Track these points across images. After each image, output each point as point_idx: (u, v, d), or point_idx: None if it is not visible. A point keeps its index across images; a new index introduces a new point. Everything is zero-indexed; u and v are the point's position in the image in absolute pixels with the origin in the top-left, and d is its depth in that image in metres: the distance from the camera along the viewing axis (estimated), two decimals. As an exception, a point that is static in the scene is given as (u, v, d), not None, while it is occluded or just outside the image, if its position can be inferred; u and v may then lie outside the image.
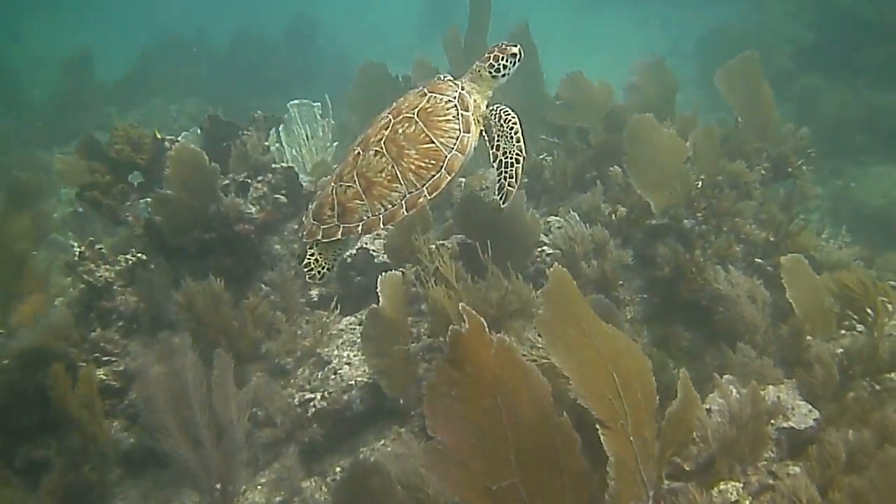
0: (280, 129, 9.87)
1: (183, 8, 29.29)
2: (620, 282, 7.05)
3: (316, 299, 7.22)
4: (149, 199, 7.28)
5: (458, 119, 4.40)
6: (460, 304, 3.85)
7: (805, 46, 20.54)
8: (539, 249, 7.14)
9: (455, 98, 4.46)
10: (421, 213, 4.73)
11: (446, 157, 4.33)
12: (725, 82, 8.97)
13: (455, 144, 4.35)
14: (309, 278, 4.69)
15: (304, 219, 4.60)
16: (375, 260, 7.14)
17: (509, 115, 4.51)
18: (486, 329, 3.76)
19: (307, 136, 9.91)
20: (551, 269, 4.21)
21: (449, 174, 4.34)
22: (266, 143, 7.75)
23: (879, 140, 15.88)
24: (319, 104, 10.19)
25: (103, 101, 17.13)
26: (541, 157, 9.04)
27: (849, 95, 17.72)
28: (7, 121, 18.61)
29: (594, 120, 9.22)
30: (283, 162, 9.68)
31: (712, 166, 7.87)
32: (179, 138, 9.01)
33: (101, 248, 7.23)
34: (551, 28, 24.86)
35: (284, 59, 21.59)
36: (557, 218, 8.06)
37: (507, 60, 4.59)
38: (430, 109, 4.41)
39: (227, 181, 7.23)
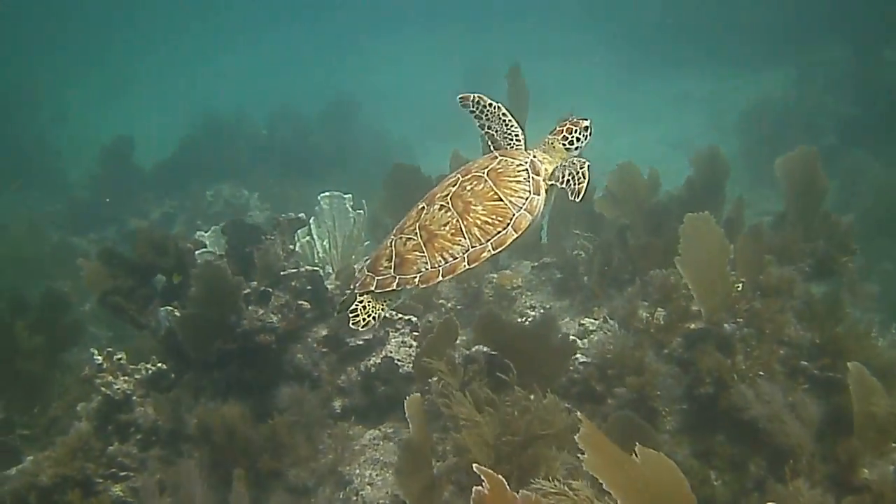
0: (311, 221, 9.74)
1: (223, 90, 29.62)
2: (658, 392, 6.72)
3: (339, 411, 6.96)
4: (169, 308, 7.14)
5: (529, 181, 4.37)
6: (474, 465, 3.59)
7: (849, 121, 20.22)
8: (573, 357, 6.85)
9: (527, 163, 4.44)
10: (481, 265, 4.44)
11: (514, 215, 4.27)
12: (783, 171, 8.67)
13: (524, 204, 4.30)
14: (353, 324, 4.46)
15: (357, 272, 4.51)
16: (400, 370, 6.89)
17: (581, 159, 4.48)
18: (507, 487, 3.53)
19: (336, 232, 9.74)
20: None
21: (516, 232, 4.26)
22: (291, 246, 7.56)
23: (930, 219, 15.42)
24: (351, 195, 10.03)
25: (142, 187, 17.23)
26: (575, 253, 8.77)
27: (894, 172, 17.32)
28: (45, 204, 18.82)
29: (636, 215, 8.94)
30: (314, 256, 9.59)
31: (755, 267, 7.56)
32: (206, 237, 8.94)
33: (121, 359, 7.06)
34: (588, 101, 24.74)
35: (322, 140, 21.67)
36: (592, 319, 7.80)
37: (580, 133, 4.59)
38: (500, 170, 4.38)
39: (248, 290, 7.05)
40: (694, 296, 7.17)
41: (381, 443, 6.61)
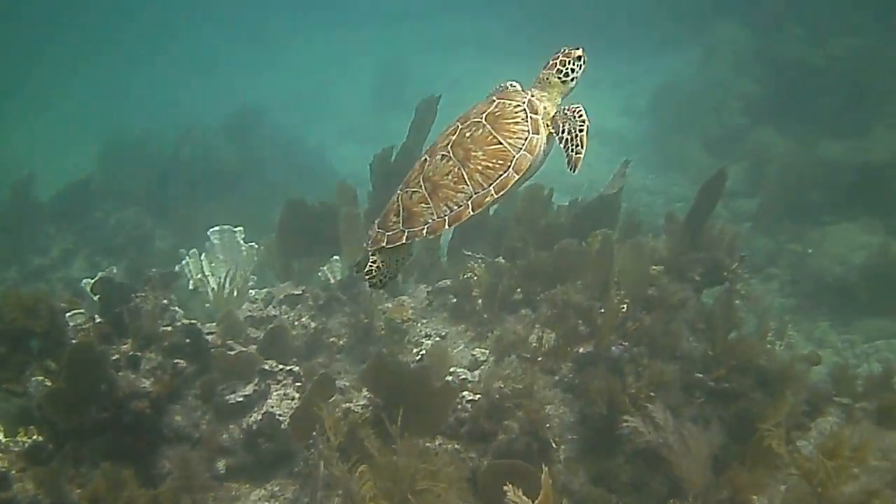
0: (202, 257, 9.48)
1: (126, 109, 28.73)
2: (547, 425, 6.58)
3: (223, 471, 6.70)
4: (40, 378, 6.81)
5: (527, 121, 4.40)
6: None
7: (755, 100, 20.38)
8: (460, 395, 6.68)
9: (524, 103, 4.46)
10: (485, 210, 4.53)
11: (514, 156, 4.32)
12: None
13: (524, 145, 4.35)
14: (371, 286, 4.69)
15: (370, 230, 4.59)
16: (283, 425, 6.65)
17: (576, 105, 4.48)
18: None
19: (229, 267, 9.48)
20: None
21: (517, 173, 4.32)
22: (165, 301, 7.28)
23: (836, 196, 15.57)
24: (242, 228, 9.77)
25: (42, 219, 16.63)
26: (467, 276, 8.61)
27: (802, 150, 17.47)
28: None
29: (528, 234, 8.76)
30: (208, 294, 9.32)
31: (641, 283, 7.47)
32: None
33: (-7, 434, 6.74)
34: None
35: (229, 155, 21.13)
36: (483, 350, 7.66)
37: (573, 64, 4.57)
38: (497, 113, 4.43)
39: (116, 356, 6.76)
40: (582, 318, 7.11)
41: (269, 502, 6.40)
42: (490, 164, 4.30)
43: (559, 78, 4.56)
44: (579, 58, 4.58)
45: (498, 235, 9.23)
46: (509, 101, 4.47)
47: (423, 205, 4.34)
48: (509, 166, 4.30)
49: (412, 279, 9.36)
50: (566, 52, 4.58)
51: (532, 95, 4.52)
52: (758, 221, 15.69)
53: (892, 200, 14.80)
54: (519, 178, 4.34)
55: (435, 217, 4.32)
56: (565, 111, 4.45)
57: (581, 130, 4.35)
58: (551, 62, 4.60)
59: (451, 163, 4.33)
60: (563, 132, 4.38)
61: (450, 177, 4.31)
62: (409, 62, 32.94)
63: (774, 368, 7.31)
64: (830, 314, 12.87)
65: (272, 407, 6.76)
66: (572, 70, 4.57)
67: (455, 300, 8.57)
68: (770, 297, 13.54)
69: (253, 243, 9.66)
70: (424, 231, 4.34)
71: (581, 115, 4.39)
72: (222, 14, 44.20)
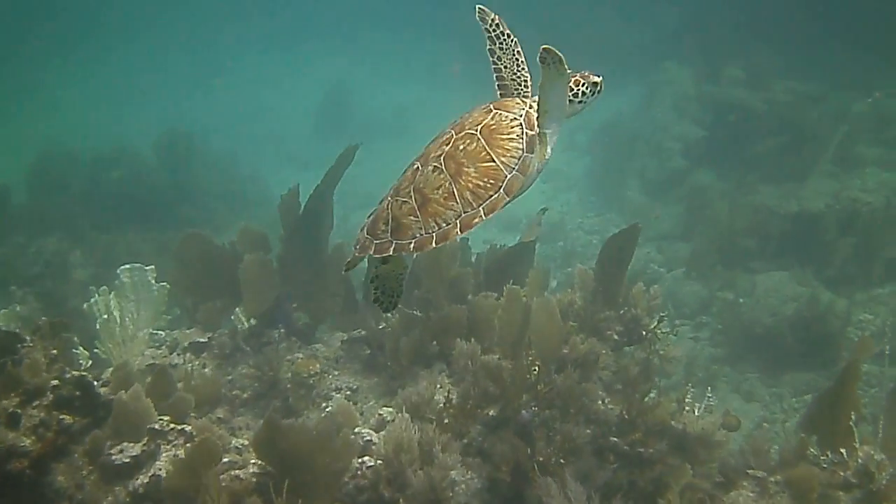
0: (111, 296, 9.08)
1: (55, 129, 27.99)
2: (450, 493, 6.30)
3: (108, 536, 6.32)
4: None
5: (523, 138, 4.27)
6: None
7: (695, 142, 20.44)
8: (360, 461, 6.37)
9: (521, 116, 4.33)
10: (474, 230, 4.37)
11: (506, 177, 4.22)
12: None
13: (517, 164, 4.24)
14: (384, 312, 4.73)
15: (359, 232, 4.46)
16: (170, 488, 6.30)
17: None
18: None
19: (139, 307, 9.09)
20: None
21: (507, 195, 4.22)
22: (54, 351, 6.89)
23: (769, 244, 15.58)
24: (153, 266, 9.38)
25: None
26: (381, 326, 8.33)
27: (739, 195, 17.51)
28: None
29: (438, 286, 8.45)
30: (112, 336, 8.92)
31: (554, 342, 7.24)
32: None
33: None
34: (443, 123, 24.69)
35: (159, 179, 20.57)
36: (390, 409, 7.37)
37: (586, 87, 4.42)
38: (493, 126, 4.29)
39: (-7, 413, 6.35)
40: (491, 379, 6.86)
41: (153, 573, 6.04)
42: (481, 184, 4.19)
43: (568, 98, 4.40)
44: (595, 84, 4.44)
45: (413, 284, 8.91)
46: (506, 114, 4.34)
47: (411, 217, 4.23)
48: (500, 187, 4.20)
49: (328, 328, 9.07)
50: (585, 74, 4.45)
51: (530, 108, 4.38)
52: (691, 267, 15.61)
53: (823, 251, 14.80)
54: (508, 201, 4.26)
55: (423, 232, 4.21)
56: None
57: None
58: None
59: (442, 176, 4.22)
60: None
61: (440, 191, 4.20)
62: (355, 88, 32.75)
63: (692, 433, 7.17)
64: (760, 366, 12.79)
65: (160, 469, 6.38)
66: (583, 93, 4.41)
67: (369, 352, 8.29)
68: (699, 347, 13.46)
69: (165, 283, 9.28)
70: (412, 246, 4.22)
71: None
72: (160, 33, 43.65)
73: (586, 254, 16.36)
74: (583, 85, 4.40)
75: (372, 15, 42.83)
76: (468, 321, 7.74)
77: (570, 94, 4.38)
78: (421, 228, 4.21)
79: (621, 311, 8.00)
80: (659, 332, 7.93)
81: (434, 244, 4.22)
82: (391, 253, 4.26)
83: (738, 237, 15.68)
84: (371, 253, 4.29)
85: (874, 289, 14.04)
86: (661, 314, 8.02)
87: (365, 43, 41.12)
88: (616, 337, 7.90)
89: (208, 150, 24.07)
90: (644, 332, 7.94)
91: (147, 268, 9.32)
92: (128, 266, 9.31)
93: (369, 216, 4.47)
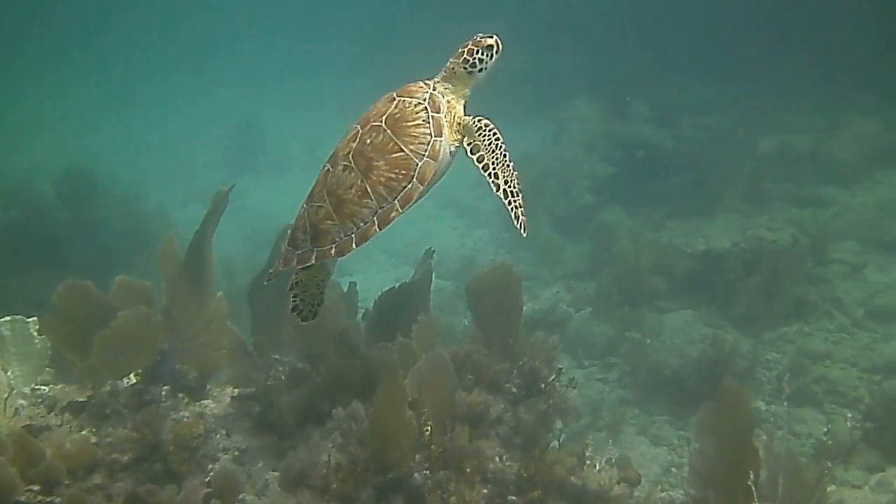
0: (-9, 349, 8.57)
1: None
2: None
3: None
4: None
5: (429, 122, 4.24)
6: None
7: (604, 179, 20.55)
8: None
9: (425, 100, 4.29)
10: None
11: (417, 165, 4.18)
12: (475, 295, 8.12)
13: (426, 151, 4.20)
14: (302, 321, 4.69)
15: (281, 245, 4.44)
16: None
17: (490, 126, 4.39)
18: None
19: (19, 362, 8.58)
20: None
21: (421, 183, 4.20)
22: None
23: (676, 282, 15.58)
24: (36, 318, 8.86)
25: None
26: (269, 383, 7.97)
27: (646, 233, 17.58)
28: None
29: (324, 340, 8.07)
30: None
31: (446, 399, 6.98)
32: None
33: None
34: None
35: (60, 216, 19.74)
36: (276, 473, 7.03)
37: (482, 53, 4.38)
38: (398, 115, 4.23)
39: None
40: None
41: None
42: (393, 176, 4.15)
43: (466, 69, 4.41)
44: (490, 46, 4.40)
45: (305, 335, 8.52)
46: (410, 100, 4.29)
47: (329, 221, 4.18)
48: (413, 176, 4.17)
49: (219, 381, 8.66)
50: (476, 40, 4.41)
51: (434, 89, 4.37)
52: (597, 307, 15.52)
53: (730, 290, 14.86)
54: (424, 189, 4.25)
55: (342, 235, 4.17)
56: (479, 128, 4.38)
57: (518, 187, 4.38)
58: (459, 51, 4.45)
59: (353, 174, 4.17)
60: (494, 177, 4.35)
61: (353, 190, 4.16)
62: (266, 121, 32.35)
63: (591, 489, 7.00)
64: (669, 408, 12.69)
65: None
66: (481, 60, 4.39)
67: (259, 409, 7.93)
68: (608, 389, 13.36)
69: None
70: (333, 251, 4.20)
71: (506, 152, 4.43)
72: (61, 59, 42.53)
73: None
74: (477, 52, 4.39)
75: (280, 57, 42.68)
76: (362, 377, 7.44)
77: (467, 65, 4.40)
78: (340, 232, 4.17)
79: (520, 363, 7.77)
80: (557, 384, 7.74)
81: (355, 245, 4.18)
82: (314, 262, 4.25)
83: (644, 276, 15.62)
84: (294, 265, 4.28)
85: (781, 327, 14.11)
86: (559, 366, 7.84)
87: (277, 79, 40.80)
88: (514, 390, 7.68)
89: (113, 184, 23.29)
90: (542, 385, 7.74)
91: (28, 320, 8.83)
92: (8, 318, 8.80)
93: (286, 231, 4.53)
